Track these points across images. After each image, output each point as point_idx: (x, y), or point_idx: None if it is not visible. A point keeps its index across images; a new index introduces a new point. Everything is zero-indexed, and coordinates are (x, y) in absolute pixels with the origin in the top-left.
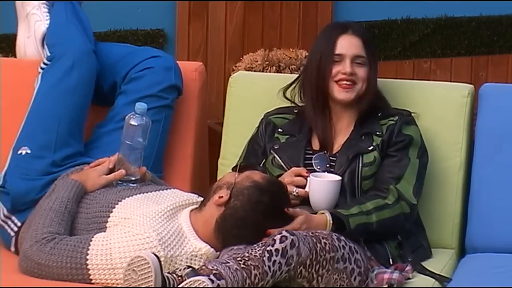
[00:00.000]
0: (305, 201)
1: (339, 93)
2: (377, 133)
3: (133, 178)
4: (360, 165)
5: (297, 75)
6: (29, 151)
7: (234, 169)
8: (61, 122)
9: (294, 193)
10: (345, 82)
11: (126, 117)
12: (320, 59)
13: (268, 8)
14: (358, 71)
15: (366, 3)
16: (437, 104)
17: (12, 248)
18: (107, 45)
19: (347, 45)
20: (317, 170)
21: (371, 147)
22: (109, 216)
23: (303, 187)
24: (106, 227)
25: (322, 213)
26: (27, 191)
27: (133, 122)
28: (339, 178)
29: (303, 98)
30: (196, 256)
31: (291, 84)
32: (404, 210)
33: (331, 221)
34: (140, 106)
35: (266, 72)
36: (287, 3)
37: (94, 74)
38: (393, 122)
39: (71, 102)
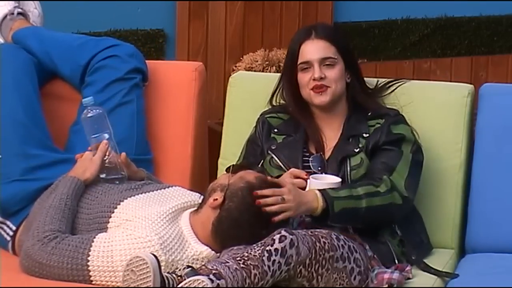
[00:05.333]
0: None
1: (315, 98)
2: (364, 134)
3: (117, 176)
4: (348, 168)
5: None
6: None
7: (227, 170)
8: (17, 116)
9: None
10: (318, 86)
11: (82, 116)
12: (290, 70)
13: (268, 8)
14: (329, 73)
15: (366, 3)
16: (437, 104)
17: (10, 252)
18: (62, 34)
19: (312, 50)
20: (315, 171)
21: (357, 149)
22: (110, 217)
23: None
24: (107, 227)
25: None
26: (14, 193)
27: (90, 115)
28: (339, 179)
29: (288, 106)
30: (198, 259)
31: (273, 94)
32: (396, 200)
33: (321, 198)
34: (86, 100)
35: (266, 72)
36: (287, 3)
37: (29, 66)
38: (379, 125)
39: (19, 95)
